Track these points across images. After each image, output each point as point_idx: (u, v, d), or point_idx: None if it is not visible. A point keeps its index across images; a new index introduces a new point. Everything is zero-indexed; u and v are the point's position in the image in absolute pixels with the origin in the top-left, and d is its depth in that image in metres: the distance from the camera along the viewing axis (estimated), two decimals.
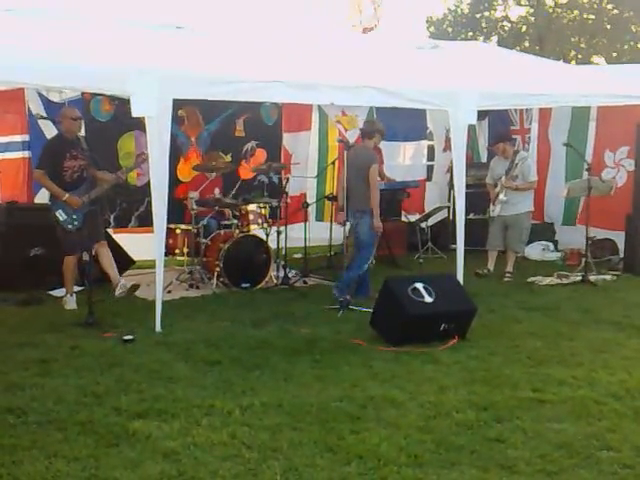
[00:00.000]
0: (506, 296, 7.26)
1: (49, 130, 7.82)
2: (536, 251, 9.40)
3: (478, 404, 4.23)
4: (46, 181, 6.49)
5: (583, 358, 5.21)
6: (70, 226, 6.39)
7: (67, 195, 6.34)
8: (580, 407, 4.22)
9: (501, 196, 8.07)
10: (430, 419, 4.02)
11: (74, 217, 6.38)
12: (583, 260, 8.11)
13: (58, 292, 6.94)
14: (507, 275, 8.11)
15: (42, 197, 7.91)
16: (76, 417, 3.94)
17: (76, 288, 6.74)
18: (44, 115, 7.36)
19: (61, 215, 6.38)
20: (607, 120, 9.13)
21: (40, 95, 7.86)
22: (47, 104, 7.90)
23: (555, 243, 9.72)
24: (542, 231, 9.67)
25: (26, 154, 8.04)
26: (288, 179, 8.46)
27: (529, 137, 10.25)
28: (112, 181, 6.62)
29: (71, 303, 6.59)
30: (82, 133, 7.67)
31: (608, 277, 8.11)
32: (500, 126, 10.15)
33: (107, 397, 4.27)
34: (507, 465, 3.48)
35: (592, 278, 7.88)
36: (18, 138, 8.02)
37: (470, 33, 24.75)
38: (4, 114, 7.94)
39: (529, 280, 8.00)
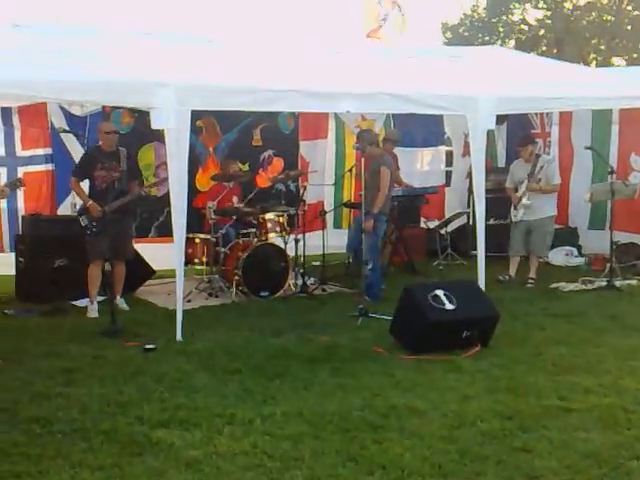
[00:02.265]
0: (529, 302, 7.19)
1: (71, 143, 7.94)
2: (559, 256, 9.29)
3: (503, 413, 4.19)
4: (77, 187, 6.82)
5: (609, 365, 5.13)
6: (88, 232, 6.58)
7: (90, 202, 6.58)
8: (607, 416, 4.16)
9: (524, 200, 7.99)
10: (454, 429, 3.98)
11: (94, 223, 6.55)
12: (608, 265, 8.02)
13: (82, 302, 7.00)
14: (530, 281, 8.03)
15: (65, 209, 8.02)
16: (100, 426, 3.96)
17: (98, 298, 6.80)
18: (66, 129, 7.47)
19: (83, 220, 6.61)
20: (631, 123, 9.03)
21: (62, 109, 7.96)
22: (69, 118, 8.00)
23: (579, 248, 9.62)
24: (565, 236, 9.55)
25: (49, 167, 8.15)
26: (305, 187, 8.47)
27: (549, 141, 10.18)
28: (135, 194, 6.78)
29: (92, 312, 6.68)
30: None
31: (634, 282, 7.99)
32: (519, 130, 10.08)
33: (130, 406, 4.30)
34: (533, 475, 3.44)
35: (617, 283, 7.78)
36: (41, 151, 8.13)
37: (487, 37, 24.67)
38: (28, 128, 8.05)
39: (553, 286, 7.91)
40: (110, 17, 7.93)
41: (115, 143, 6.76)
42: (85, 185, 6.82)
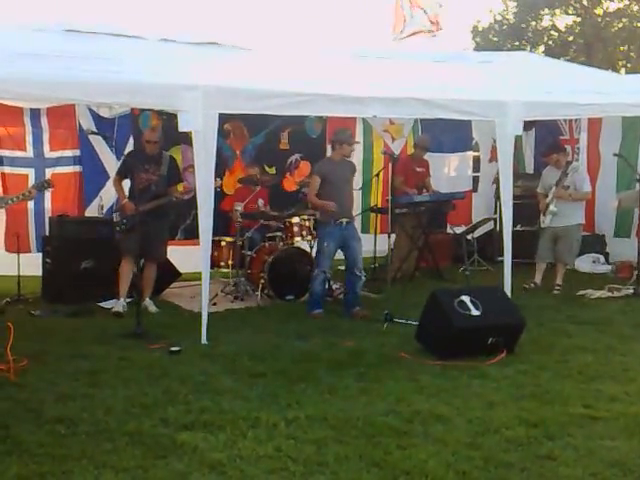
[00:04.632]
0: (556, 309, 7.13)
1: (99, 145, 8.04)
2: (586, 264, 9.21)
3: (528, 420, 4.15)
4: (117, 185, 7.08)
5: (636, 373, 5.07)
6: (118, 228, 6.82)
7: (125, 200, 6.83)
8: (633, 424, 4.10)
9: (551, 207, 7.93)
10: (478, 435, 3.95)
11: (124, 221, 6.74)
12: (635, 273, 7.92)
13: (108, 304, 7.07)
14: (556, 288, 7.95)
15: (92, 211, 8.11)
16: (125, 428, 3.98)
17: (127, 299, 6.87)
18: (94, 131, 7.55)
19: (116, 217, 6.91)
20: None
21: (90, 111, 8.05)
22: (97, 119, 8.10)
23: (606, 255, 9.51)
24: (592, 243, 9.47)
25: (77, 169, 8.25)
26: None
27: (578, 147, 10.08)
28: (167, 198, 6.93)
29: (118, 306, 6.79)
30: (130, 147, 7.92)
31: None
32: (547, 136, 10.00)
33: (155, 408, 4.31)
34: None
35: None
36: (69, 153, 8.23)
37: (516, 43, 24.50)
38: (56, 129, 8.15)
39: (579, 293, 7.84)
40: (139, 22, 7.98)
41: (156, 150, 6.96)
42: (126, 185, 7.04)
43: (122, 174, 7.02)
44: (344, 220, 6.86)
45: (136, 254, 6.52)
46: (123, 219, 6.76)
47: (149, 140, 6.98)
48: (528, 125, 8.95)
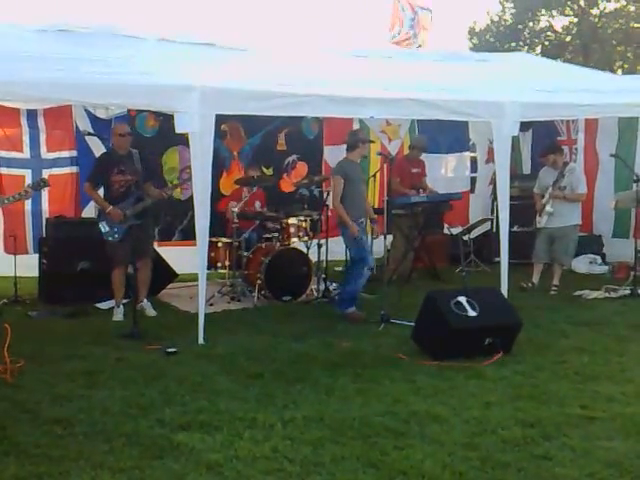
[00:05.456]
0: (552, 310, 7.13)
1: (96, 146, 8.00)
2: (583, 264, 9.22)
3: (524, 421, 4.16)
4: (93, 193, 6.80)
5: (633, 374, 5.08)
6: (111, 238, 6.59)
7: (110, 207, 6.55)
8: (630, 424, 4.11)
9: (548, 207, 7.94)
10: (475, 435, 3.95)
11: (115, 230, 6.56)
12: (632, 273, 7.93)
13: (104, 305, 7.06)
14: (553, 288, 7.96)
15: (89, 212, 8.10)
16: (121, 429, 3.98)
17: (123, 300, 6.85)
18: (91, 132, 7.53)
19: (104, 227, 6.60)
20: None
21: (87, 111, 8.05)
22: (94, 120, 8.09)
23: (603, 256, 9.52)
24: (589, 244, 9.48)
25: (74, 169, 8.25)
26: (329, 192, 8.46)
27: (576, 148, 10.09)
28: (156, 197, 6.78)
29: (118, 314, 6.72)
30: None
31: None
32: (544, 137, 10.01)
33: (151, 409, 4.32)
34: None
35: None
36: (66, 154, 8.23)
37: (513, 43, 24.56)
38: (52, 130, 8.15)
39: (576, 294, 7.84)
40: (136, 22, 7.99)
41: (129, 145, 6.71)
42: (100, 191, 6.80)
43: (95, 181, 6.72)
44: (362, 220, 6.88)
45: (129, 261, 6.41)
46: (113, 228, 6.53)
47: (122, 133, 6.69)
48: (525, 126, 8.96)
